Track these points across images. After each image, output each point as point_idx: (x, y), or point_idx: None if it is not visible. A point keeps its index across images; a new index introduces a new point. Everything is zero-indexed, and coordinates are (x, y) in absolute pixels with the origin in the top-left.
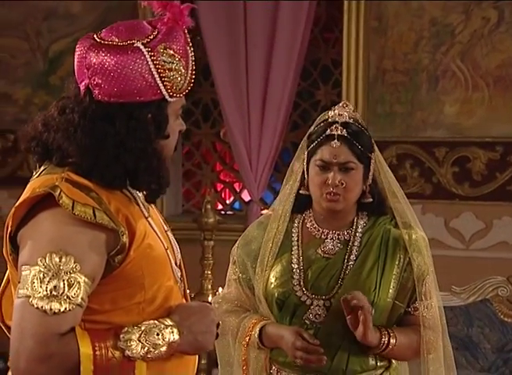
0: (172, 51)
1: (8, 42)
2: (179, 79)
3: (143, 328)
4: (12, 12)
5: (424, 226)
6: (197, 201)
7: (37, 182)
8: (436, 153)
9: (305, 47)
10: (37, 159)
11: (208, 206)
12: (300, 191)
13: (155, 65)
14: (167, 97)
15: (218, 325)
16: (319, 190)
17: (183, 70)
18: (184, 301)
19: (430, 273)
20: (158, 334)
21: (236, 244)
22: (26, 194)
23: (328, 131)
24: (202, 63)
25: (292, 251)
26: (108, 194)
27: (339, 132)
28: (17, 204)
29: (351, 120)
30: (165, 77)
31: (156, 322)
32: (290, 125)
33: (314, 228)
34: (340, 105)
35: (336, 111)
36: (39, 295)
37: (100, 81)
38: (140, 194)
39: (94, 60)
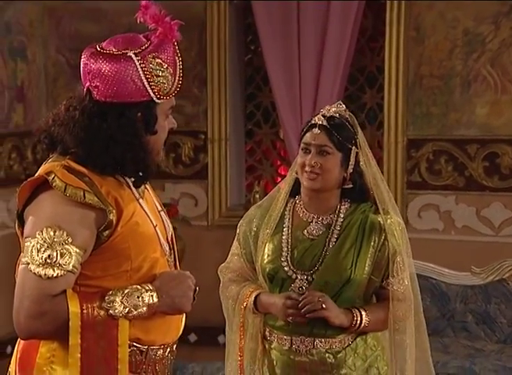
0: (160, 60)
1: None
2: (166, 84)
3: (126, 291)
4: (98, 28)
5: (457, 215)
6: None
7: (43, 168)
8: (468, 149)
9: (351, 55)
10: (46, 149)
11: (257, 196)
12: (293, 173)
13: (144, 71)
14: (155, 99)
15: (195, 291)
16: (300, 170)
17: (170, 77)
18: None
19: (402, 253)
20: (138, 297)
21: (240, 223)
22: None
23: (312, 121)
24: (262, 71)
25: (283, 232)
26: (100, 179)
27: (320, 122)
28: (21, 186)
29: (337, 115)
30: (152, 82)
31: (138, 286)
32: None
33: (303, 212)
34: (335, 104)
35: (328, 107)
36: (36, 263)
37: (98, 84)
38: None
39: (94, 66)
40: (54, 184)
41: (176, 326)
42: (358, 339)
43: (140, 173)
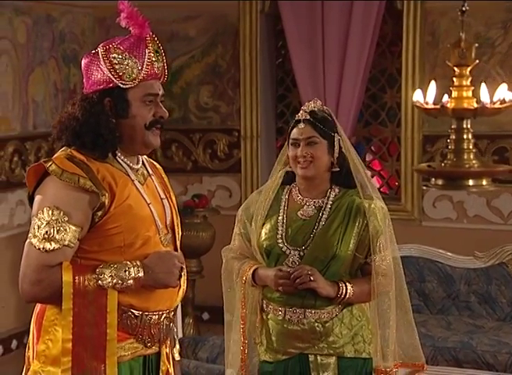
0: (120, 50)
1: None
2: (129, 70)
3: (115, 266)
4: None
5: (469, 205)
6: None
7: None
8: (479, 144)
9: (371, 59)
10: (56, 141)
11: None
12: (287, 168)
13: (104, 60)
14: (120, 84)
15: (181, 268)
16: (293, 162)
17: (134, 64)
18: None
19: (384, 232)
20: (125, 271)
21: (241, 208)
22: None
23: (296, 117)
24: (292, 74)
25: (279, 213)
26: (99, 166)
27: (303, 117)
28: (26, 172)
29: (316, 109)
30: (112, 69)
31: (128, 262)
32: (363, 123)
33: (297, 196)
34: (312, 101)
35: (307, 104)
36: (37, 238)
37: (83, 79)
38: (139, 166)
39: (82, 64)
40: (50, 170)
41: (168, 297)
42: (345, 310)
43: (99, 147)
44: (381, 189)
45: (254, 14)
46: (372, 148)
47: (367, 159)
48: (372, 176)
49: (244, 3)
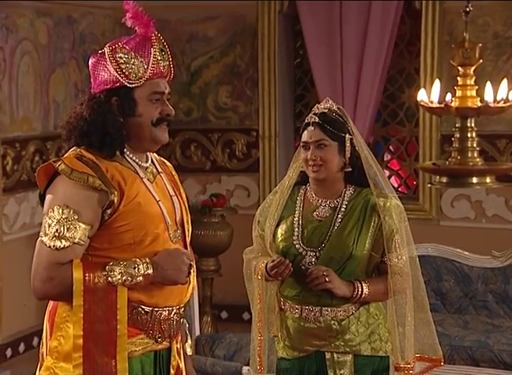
0: (126, 50)
1: None
2: (135, 70)
3: (125, 263)
4: (163, 37)
5: (487, 205)
6: None
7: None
8: (498, 144)
9: (389, 58)
10: (66, 141)
11: None
12: (301, 169)
13: (111, 61)
14: (126, 84)
15: (190, 265)
16: (305, 164)
17: (139, 63)
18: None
19: (400, 231)
20: (134, 268)
21: (259, 208)
22: None
23: (306, 120)
24: (310, 74)
25: (295, 214)
26: (108, 164)
27: (313, 120)
28: (36, 171)
29: (326, 110)
30: (118, 68)
31: (137, 259)
32: (381, 122)
33: (312, 197)
34: (324, 101)
35: (318, 105)
36: (48, 236)
37: (91, 79)
38: (148, 164)
39: (89, 64)
40: (59, 169)
41: (178, 293)
42: (361, 308)
43: (106, 145)
44: (399, 189)
45: (273, 14)
46: (390, 147)
47: (385, 159)
48: (390, 176)
49: (263, 3)
